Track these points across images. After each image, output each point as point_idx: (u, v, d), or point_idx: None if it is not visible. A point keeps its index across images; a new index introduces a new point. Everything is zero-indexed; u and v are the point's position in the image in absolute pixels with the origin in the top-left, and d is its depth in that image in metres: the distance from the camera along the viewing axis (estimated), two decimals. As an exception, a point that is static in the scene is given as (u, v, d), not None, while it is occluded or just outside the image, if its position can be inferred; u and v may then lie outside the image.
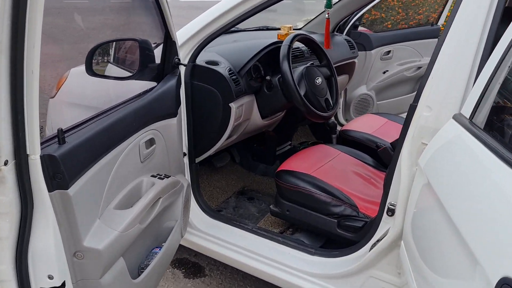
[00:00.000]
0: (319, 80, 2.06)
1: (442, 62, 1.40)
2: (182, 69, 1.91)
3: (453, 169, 1.21)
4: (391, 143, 2.39)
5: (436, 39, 3.52)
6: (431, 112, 1.43)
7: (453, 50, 1.37)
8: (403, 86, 3.52)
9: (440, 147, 1.35)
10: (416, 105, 1.48)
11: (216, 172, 2.67)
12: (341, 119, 3.40)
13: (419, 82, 3.54)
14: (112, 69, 1.99)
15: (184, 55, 1.91)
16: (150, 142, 1.57)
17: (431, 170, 1.35)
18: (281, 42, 2.16)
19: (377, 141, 2.47)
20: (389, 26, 4.43)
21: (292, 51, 2.13)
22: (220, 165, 2.65)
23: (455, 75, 1.37)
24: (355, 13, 3.07)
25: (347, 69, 2.98)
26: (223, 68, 1.97)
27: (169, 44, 1.70)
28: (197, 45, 1.92)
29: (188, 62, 1.93)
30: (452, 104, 1.38)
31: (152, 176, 1.55)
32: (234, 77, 1.98)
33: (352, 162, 2.22)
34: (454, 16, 1.38)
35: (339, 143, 2.65)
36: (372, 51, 3.23)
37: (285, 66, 1.92)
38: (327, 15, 2.28)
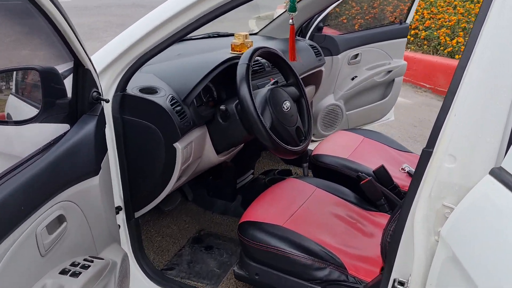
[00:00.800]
0: (287, 105, 1.63)
1: (468, 93, 0.99)
2: (108, 104, 1.43)
3: (493, 245, 0.85)
4: (374, 172, 2.01)
5: (405, 39, 3.18)
6: (455, 164, 1.02)
7: (484, 75, 0.97)
8: (373, 92, 3.16)
9: (474, 214, 0.96)
10: (432, 152, 1.07)
11: (165, 216, 2.19)
12: (308, 134, 3.00)
13: (390, 86, 3.22)
14: (14, 104, 1.47)
15: (109, 83, 1.43)
16: (59, 220, 1.08)
17: (460, 244, 0.96)
18: (237, 57, 1.71)
19: (357, 168, 2.07)
20: (344, 21, 4.08)
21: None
22: (168, 209, 2.17)
23: (490, 111, 0.97)
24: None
25: (314, 79, 2.58)
26: (163, 98, 1.50)
27: (82, 74, 1.21)
28: (127, 68, 1.44)
29: (116, 91, 1.45)
30: (487, 154, 0.98)
31: (63, 272, 1.07)
32: (178, 107, 1.51)
33: (331, 201, 1.81)
34: (482, 26, 0.98)
35: (311, 170, 2.24)
36: (339, 56, 2.84)
37: (244, 91, 1.47)
38: (291, 21, 1.85)
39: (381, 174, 1.99)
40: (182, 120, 1.50)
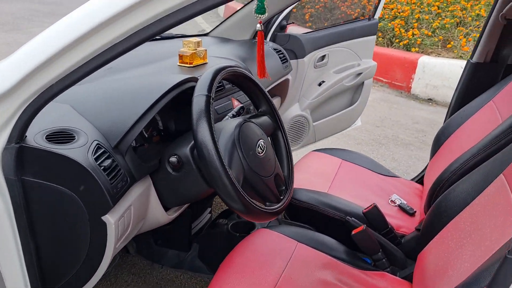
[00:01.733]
0: (262, 146, 1.19)
1: None
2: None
3: None
4: (364, 213, 1.62)
5: (374, 37, 2.82)
6: None
7: None
8: (341, 98, 2.78)
9: None
10: None
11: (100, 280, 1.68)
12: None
13: (359, 91, 2.85)
14: None
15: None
16: None
17: None
18: (191, 80, 1.24)
19: (342, 208, 1.67)
20: (294, 10, 3.69)
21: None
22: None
23: None
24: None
25: (279, 90, 2.15)
26: (83, 149, 1.00)
27: None
28: (26, 105, 0.93)
29: (9, 142, 0.94)
30: None
31: None
32: (107, 161, 1.03)
33: (318, 263, 1.39)
34: None
35: (287, 211, 1.82)
36: (305, 58, 2.42)
37: (203, 135, 1.01)
38: (259, 26, 1.40)
39: (374, 216, 1.60)
40: (114, 180, 1.02)
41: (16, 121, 0.94)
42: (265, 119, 1.31)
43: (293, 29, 2.68)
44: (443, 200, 1.33)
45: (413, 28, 5.43)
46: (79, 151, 0.99)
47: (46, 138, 1.00)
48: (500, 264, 0.69)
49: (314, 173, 1.90)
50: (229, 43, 2.06)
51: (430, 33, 5.34)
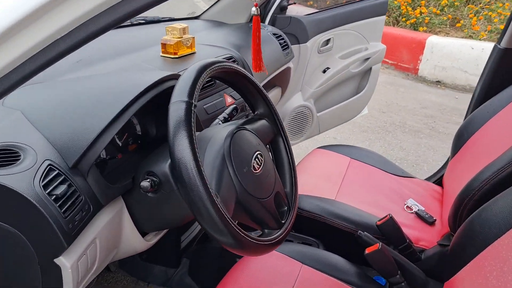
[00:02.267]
0: (259, 161, 0.96)
1: None
2: None
3: None
4: (378, 226, 1.41)
5: (384, 17, 2.56)
6: None
7: None
8: (347, 85, 2.54)
9: None
10: None
11: None
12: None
13: (366, 77, 2.61)
14: None
15: None
16: None
17: None
18: (172, 77, 1.02)
19: (353, 218, 1.46)
20: None
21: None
22: None
23: None
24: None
25: (279, 80, 1.91)
26: (29, 173, 0.78)
27: None
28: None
29: None
30: None
31: None
32: (62, 188, 0.80)
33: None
34: None
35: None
36: (308, 43, 2.18)
37: (181, 151, 0.78)
38: (254, 9, 1.16)
39: (389, 229, 1.39)
40: (70, 213, 0.80)
41: None
42: (262, 123, 1.08)
43: (294, 9, 2.43)
44: (477, 218, 1.11)
45: (420, 6, 5.14)
46: (22, 177, 0.77)
47: (-19, 159, 0.78)
48: None
49: (319, 176, 1.68)
50: (222, 27, 1.81)
51: (438, 11, 5.05)
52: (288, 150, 1.12)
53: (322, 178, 1.67)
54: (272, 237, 0.94)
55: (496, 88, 1.64)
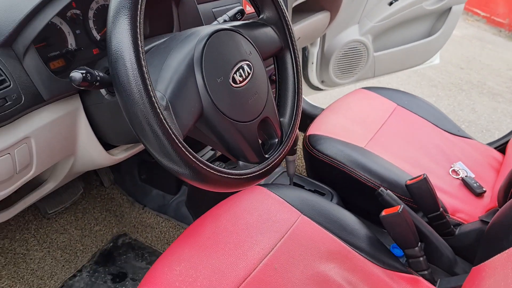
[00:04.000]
0: (245, 70, 0.74)
1: None
2: None
3: None
4: (407, 186, 1.15)
5: None
6: None
7: None
8: (416, 26, 2.17)
9: None
10: None
11: (64, 213, 1.37)
12: (315, 81, 2.08)
13: (442, 18, 2.21)
14: None
15: None
16: None
17: None
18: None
19: (378, 171, 1.21)
20: None
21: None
22: (54, 211, 1.33)
23: None
24: None
25: (328, 1, 1.62)
26: None
27: None
28: None
29: None
30: None
31: None
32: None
33: (322, 247, 0.97)
34: None
35: (307, 165, 1.38)
36: (374, -35, 1.83)
37: (119, 38, 0.58)
38: None
39: (420, 192, 1.13)
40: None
41: None
42: (266, 31, 0.83)
43: None
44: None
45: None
46: None
47: None
48: None
49: (353, 119, 1.42)
50: None
51: (553, -40, 4.28)
52: (295, 72, 0.87)
53: (356, 121, 1.41)
54: (246, 171, 0.73)
55: None
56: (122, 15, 0.59)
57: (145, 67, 0.59)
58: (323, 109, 1.72)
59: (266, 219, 1.01)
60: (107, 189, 1.46)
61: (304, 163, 1.43)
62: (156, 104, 0.59)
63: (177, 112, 0.65)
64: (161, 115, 0.59)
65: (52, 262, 1.26)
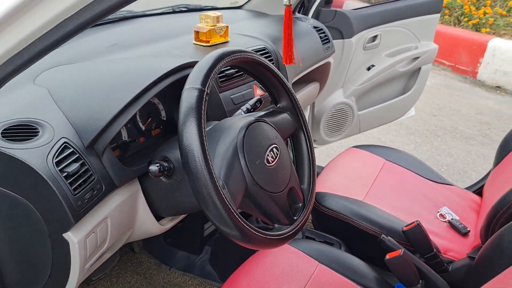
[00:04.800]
0: (273, 154, 0.94)
1: None
2: None
3: None
4: (404, 232, 1.35)
5: (438, 15, 2.43)
6: None
7: None
8: (392, 85, 2.45)
9: None
10: None
11: (96, 283, 1.53)
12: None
13: (414, 77, 2.51)
14: None
15: None
16: None
17: None
18: (192, 65, 1.02)
19: (378, 221, 1.41)
20: None
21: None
22: (98, 277, 1.50)
23: None
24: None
25: (318, 74, 1.87)
26: (43, 149, 0.81)
27: None
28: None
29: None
30: None
31: None
32: (74, 166, 0.83)
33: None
34: None
35: (314, 218, 1.57)
36: (353, 39, 2.12)
37: (189, 138, 0.78)
38: (286, 0, 1.13)
39: (415, 236, 1.33)
40: (80, 191, 0.82)
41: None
42: (283, 117, 1.05)
43: (351, 4, 2.37)
44: (507, 232, 1.04)
45: (485, 6, 4.86)
46: (37, 152, 0.80)
47: (1, 133, 0.81)
48: None
49: (350, 175, 1.63)
50: (262, 18, 1.80)
51: (504, 12, 4.75)
52: (309, 146, 1.09)
53: (352, 178, 1.62)
54: (281, 232, 0.92)
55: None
56: (190, 118, 0.79)
57: (210, 160, 0.79)
58: (319, 166, 1.93)
59: (289, 270, 1.19)
60: (136, 254, 1.62)
61: (311, 217, 1.63)
62: (218, 187, 0.78)
63: (230, 189, 0.85)
64: (222, 195, 0.79)
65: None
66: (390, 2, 2.28)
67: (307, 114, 2.23)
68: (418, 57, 2.38)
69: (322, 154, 2.90)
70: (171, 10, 1.74)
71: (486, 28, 4.69)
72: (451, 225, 1.47)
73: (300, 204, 1.02)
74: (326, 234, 1.52)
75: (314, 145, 2.35)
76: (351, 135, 2.42)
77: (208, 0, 1.91)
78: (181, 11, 1.77)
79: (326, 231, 1.53)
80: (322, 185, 1.57)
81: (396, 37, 2.31)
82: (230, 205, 0.80)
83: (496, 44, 4.38)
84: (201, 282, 1.54)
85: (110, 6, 0.58)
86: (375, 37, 2.23)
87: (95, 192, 0.86)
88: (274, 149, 0.95)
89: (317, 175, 1.68)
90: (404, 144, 3.22)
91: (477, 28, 4.76)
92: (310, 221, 1.73)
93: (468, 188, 1.77)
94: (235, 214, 0.80)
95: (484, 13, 4.76)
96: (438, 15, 2.43)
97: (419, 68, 2.45)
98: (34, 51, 0.64)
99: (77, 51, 1.19)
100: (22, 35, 0.60)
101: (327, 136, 2.31)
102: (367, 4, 2.30)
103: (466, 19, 4.88)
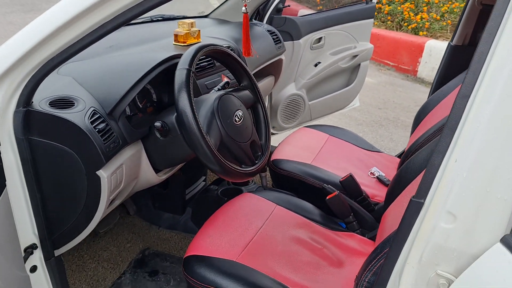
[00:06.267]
0: (239, 116, 1.35)
1: (475, 133, 0.74)
2: (8, 123, 1.11)
3: None
4: (341, 182, 1.77)
5: (372, 20, 2.92)
6: (455, 224, 0.78)
7: (500, 109, 0.72)
8: (337, 79, 2.91)
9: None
10: (423, 204, 0.82)
11: (102, 236, 1.89)
12: (267, 127, 2.73)
13: (355, 72, 2.98)
14: None
15: (7, 95, 1.10)
16: None
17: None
18: (178, 56, 1.41)
19: (322, 176, 1.83)
20: None
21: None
22: (104, 230, 1.86)
23: (505, 159, 0.72)
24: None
25: (273, 69, 2.29)
26: (80, 113, 1.18)
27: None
28: (31, 75, 1.10)
29: (18, 106, 1.12)
30: (498, 214, 0.74)
31: None
32: (101, 125, 1.20)
33: (293, 222, 1.56)
34: (495, 41, 0.72)
35: (273, 179, 1.98)
36: (301, 40, 2.55)
37: (183, 103, 1.17)
38: (244, 8, 1.55)
39: (349, 184, 1.76)
40: (107, 141, 1.19)
41: (23, 88, 1.11)
42: (245, 93, 1.46)
43: (304, 12, 2.81)
44: (404, 168, 1.47)
45: (422, 12, 5.47)
46: (77, 115, 1.17)
47: (49, 104, 1.17)
48: (407, 207, 0.85)
49: (301, 147, 2.05)
50: (225, 24, 2.21)
51: (438, 17, 5.37)
52: (264, 113, 1.50)
53: (302, 148, 2.04)
54: (247, 169, 1.32)
55: (448, 77, 1.99)
56: (182, 89, 1.18)
57: (198, 118, 1.18)
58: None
59: (254, 210, 1.58)
60: (130, 216, 1.97)
61: (271, 179, 2.03)
62: (204, 136, 1.18)
63: (211, 138, 1.24)
64: (208, 141, 1.18)
65: (102, 270, 1.74)
66: (332, 9, 2.74)
67: (266, 103, 2.64)
68: (357, 55, 2.85)
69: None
70: (150, 19, 2.12)
71: (423, 31, 5.28)
72: (379, 179, 1.91)
73: (259, 153, 1.43)
74: (283, 190, 1.93)
75: (273, 131, 2.77)
76: (304, 122, 2.85)
77: (180, 10, 2.30)
78: (158, 20, 2.15)
79: (283, 188, 1.94)
80: (279, 154, 1.98)
81: (338, 38, 2.77)
82: (213, 149, 1.19)
83: (432, 45, 4.97)
84: (185, 236, 1.91)
85: (147, 7, 0.96)
86: (320, 39, 2.68)
87: (115, 144, 1.23)
88: (239, 113, 1.35)
89: (275, 149, 2.10)
90: (353, 132, 3.70)
91: (415, 31, 5.34)
92: (271, 183, 2.13)
93: (396, 155, 2.23)
94: (217, 154, 1.20)
95: (421, 18, 5.36)
96: (372, 20, 2.91)
97: (359, 65, 2.93)
98: (83, 42, 1.03)
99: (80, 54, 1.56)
100: (80, 30, 0.98)
101: (283, 123, 2.73)
102: (314, 12, 2.76)
103: (406, 24, 5.46)
